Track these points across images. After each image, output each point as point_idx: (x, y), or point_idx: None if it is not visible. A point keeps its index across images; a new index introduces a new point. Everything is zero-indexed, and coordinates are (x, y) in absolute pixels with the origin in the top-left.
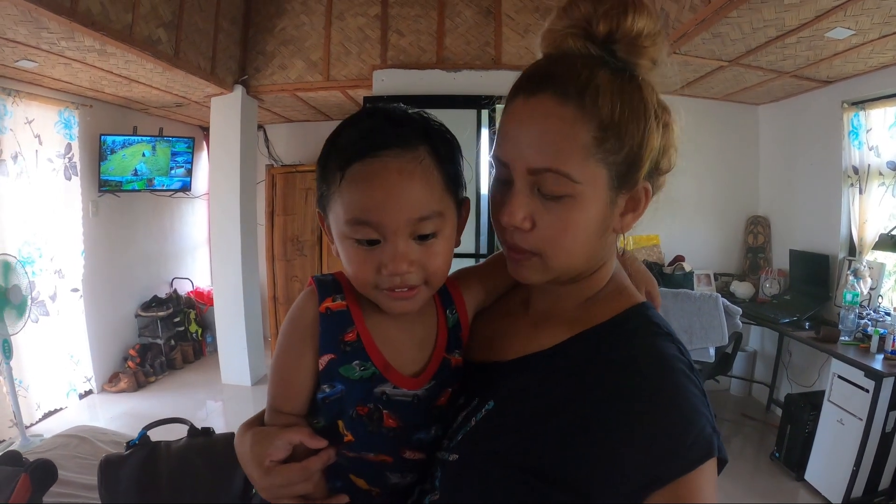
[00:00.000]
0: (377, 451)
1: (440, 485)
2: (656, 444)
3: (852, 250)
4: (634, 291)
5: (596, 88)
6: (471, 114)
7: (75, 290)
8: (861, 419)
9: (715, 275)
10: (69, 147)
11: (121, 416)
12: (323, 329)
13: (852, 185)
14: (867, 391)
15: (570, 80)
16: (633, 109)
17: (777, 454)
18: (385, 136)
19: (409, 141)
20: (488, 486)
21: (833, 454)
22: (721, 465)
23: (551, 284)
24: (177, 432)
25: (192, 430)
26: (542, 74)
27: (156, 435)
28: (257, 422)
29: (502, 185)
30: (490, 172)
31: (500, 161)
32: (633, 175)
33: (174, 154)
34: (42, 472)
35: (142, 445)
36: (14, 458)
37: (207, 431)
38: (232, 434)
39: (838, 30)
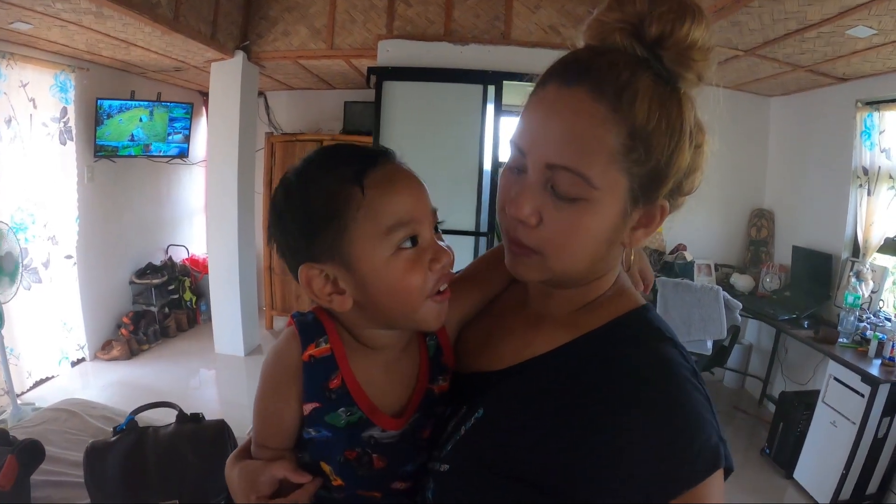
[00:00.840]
0: (367, 490)
1: (433, 496)
2: (661, 456)
3: (856, 251)
4: (635, 293)
5: (634, 92)
6: (477, 89)
7: (69, 256)
8: (854, 423)
9: (716, 265)
10: (65, 111)
11: (113, 384)
12: (307, 378)
13: (861, 185)
14: (862, 396)
15: (610, 77)
16: (668, 123)
17: (768, 450)
18: (374, 150)
19: (389, 152)
20: (480, 496)
21: (824, 455)
22: (727, 473)
23: (549, 286)
24: (166, 414)
25: (181, 416)
26: (581, 65)
27: (144, 417)
28: (245, 453)
29: (515, 172)
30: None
31: (517, 147)
32: (655, 191)
33: (172, 120)
34: (29, 453)
35: (129, 431)
36: (1, 437)
37: (196, 417)
38: (221, 421)
39: (860, 28)
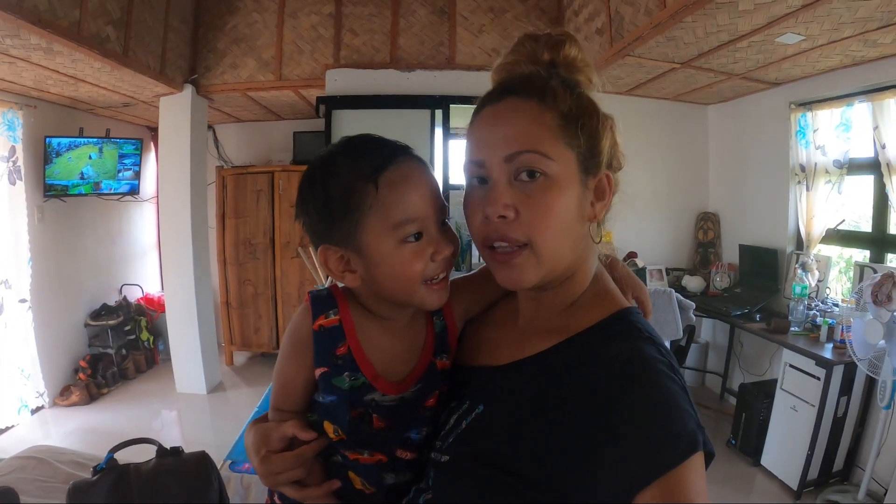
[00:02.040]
0: (371, 450)
1: (433, 484)
2: (639, 443)
3: (800, 245)
4: (618, 295)
5: (553, 89)
6: (425, 114)
7: (23, 300)
8: (813, 405)
9: (667, 269)
10: (13, 150)
11: (75, 431)
12: (316, 345)
13: (799, 182)
14: (818, 379)
15: (529, 84)
16: (585, 107)
17: (733, 441)
18: (394, 147)
19: (407, 149)
20: (476, 487)
21: (788, 439)
22: (709, 458)
23: (537, 291)
24: (143, 452)
25: (161, 451)
26: (503, 86)
27: (121, 456)
28: (263, 420)
29: (478, 185)
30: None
31: (473, 162)
32: (596, 160)
33: (122, 156)
34: (5, 502)
35: (109, 469)
36: None
37: (176, 451)
38: (202, 452)
39: (789, 35)
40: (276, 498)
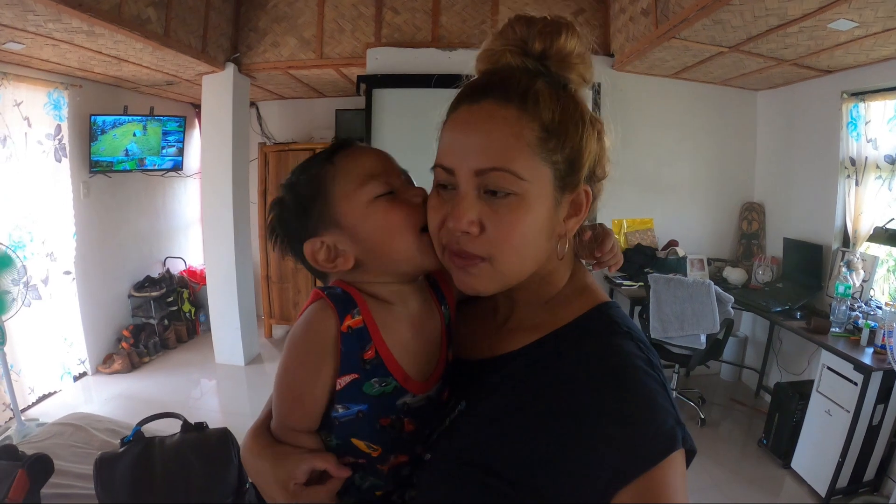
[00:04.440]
0: (398, 455)
1: (416, 482)
2: (616, 442)
3: (846, 241)
4: (597, 290)
5: (536, 93)
6: None
7: (67, 272)
8: (849, 411)
9: (708, 260)
10: (59, 128)
11: (116, 397)
12: (346, 350)
13: (849, 176)
14: (856, 384)
15: (512, 86)
16: (570, 114)
17: (765, 441)
18: (342, 140)
19: (356, 141)
20: (455, 485)
21: (820, 444)
22: (690, 456)
23: (510, 290)
24: (170, 425)
25: (186, 426)
26: (483, 84)
27: (150, 428)
28: (264, 431)
29: (445, 191)
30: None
31: (444, 168)
32: (575, 176)
33: (165, 133)
34: (39, 467)
35: (136, 441)
36: (10, 452)
37: (200, 426)
38: (224, 429)
39: (841, 21)
40: None
